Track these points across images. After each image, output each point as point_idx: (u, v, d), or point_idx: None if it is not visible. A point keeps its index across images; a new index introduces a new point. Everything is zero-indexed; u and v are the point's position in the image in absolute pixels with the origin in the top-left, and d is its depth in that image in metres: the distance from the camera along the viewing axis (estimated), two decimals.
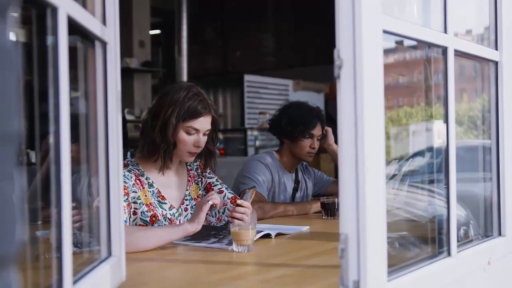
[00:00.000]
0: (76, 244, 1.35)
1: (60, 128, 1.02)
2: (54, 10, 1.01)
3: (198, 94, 2.25)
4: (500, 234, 1.86)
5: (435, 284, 1.49)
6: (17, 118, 0.61)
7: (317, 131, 3.06)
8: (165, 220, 2.25)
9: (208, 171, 2.47)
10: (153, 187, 2.27)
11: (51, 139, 1.01)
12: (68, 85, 1.05)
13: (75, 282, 1.11)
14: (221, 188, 2.44)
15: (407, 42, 1.59)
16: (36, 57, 1.11)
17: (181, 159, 2.33)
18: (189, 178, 2.42)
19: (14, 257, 0.60)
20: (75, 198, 1.18)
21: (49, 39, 1.03)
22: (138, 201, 2.19)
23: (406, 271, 1.37)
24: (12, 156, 0.60)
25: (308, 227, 2.43)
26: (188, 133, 2.23)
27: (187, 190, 2.39)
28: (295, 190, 3.18)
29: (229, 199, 2.39)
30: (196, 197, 2.41)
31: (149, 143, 2.25)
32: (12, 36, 0.62)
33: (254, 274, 1.70)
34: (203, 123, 2.25)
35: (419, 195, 2.14)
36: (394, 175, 2.30)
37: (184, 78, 8.99)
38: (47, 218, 1.30)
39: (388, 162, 1.30)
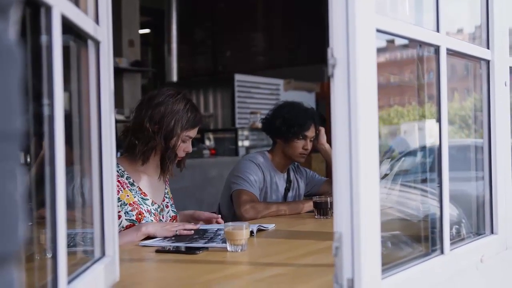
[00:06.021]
0: (69, 244, 1.35)
1: (55, 128, 1.01)
2: (48, 9, 1.00)
3: (194, 105, 2.41)
4: (492, 232, 1.87)
5: (429, 281, 1.49)
6: (20, 117, 0.61)
7: (311, 132, 3.06)
8: (150, 216, 2.33)
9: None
10: (135, 185, 2.35)
11: (46, 140, 1.01)
12: (62, 84, 1.04)
13: (69, 282, 1.11)
14: (170, 201, 2.56)
15: (398, 41, 1.60)
16: (28, 56, 1.10)
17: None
18: (166, 179, 2.53)
19: (16, 255, 0.60)
20: (67, 198, 1.17)
21: (43, 38, 1.03)
22: (119, 203, 2.24)
23: (400, 268, 1.38)
24: (15, 155, 0.60)
25: (274, 225, 2.44)
26: (183, 141, 2.36)
27: (166, 189, 2.51)
28: (287, 190, 3.18)
29: (170, 217, 2.48)
30: (171, 197, 2.54)
31: (150, 149, 2.32)
32: (14, 36, 0.62)
33: (248, 274, 1.70)
34: (196, 131, 2.42)
35: (411, 194, 2.15)
36: (386, 175, 2.31)
37: (174, 78, 8.99)
38: (39, 219, 1.29)
39: (380, 161, 1.30)
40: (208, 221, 2.47)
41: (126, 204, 2.27)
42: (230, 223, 1.99)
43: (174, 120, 2.30)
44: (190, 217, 2.54)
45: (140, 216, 2.28)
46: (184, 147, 2.37)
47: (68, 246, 1.12)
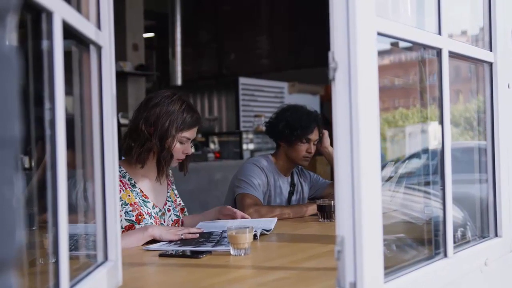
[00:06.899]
0: (71, 248, 1.35)
1: (56, 133, 1.02)
2: (49, 14, 1.01)
3: (191, 106, 2.40)
4: (496, 235, 1.86)
5: (432, 285, 1.49)
6: (17, 123, 0.61)
7: (314, 135, 3.06)
8: (150, 218, 2.34)
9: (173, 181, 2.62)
10: (136, 187, 2.35)
11: (47, 144, 1.01)
12: (63, 89, 1.04)
13: (71, 286, 1.11)
14: (178, 200, 2.59)
15: (402, 44, 1.60)
16: (30, 61, 1.10)
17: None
18: (168, 182, 2.54)
19: (14, 261, 0.60)
20: (71, 203, 1.18)
21: (44, 44, 1.03)
22: (120, 202, 2.25)
23: (402, 272, 1.37)
24: (12, 160, 0.61)
25: (275, 219, 2.48)
26: (181, 143, 2.36)
27: (168, 192, 2.51)
28: (291, 193, 3.18)
29: (172, 221, 2.49)
30: (173, 200, 2.53)
31: (146, 151, 2.32)
32: (11, 42, 0.62)
33: (251, 277, 1.70)
34: (195, 132, 2.41)
35: (416, 197, 2.15)
36: (390, 177, 2.31)
37: (179, 81, 8.99)
38: (43, 224, 1.30)
39: (384, 164, 1.30)
40: (233, 217, 2.50)
41: (127, 204, 2.28)
42: (233, 227, 1.98)
43: (169, 120, 2.30)
44: (219, 212, 2.55)
45: (139, 218, 2.28)
46: (182, 149, 2.36)
47: (70, 249, 1.12)
